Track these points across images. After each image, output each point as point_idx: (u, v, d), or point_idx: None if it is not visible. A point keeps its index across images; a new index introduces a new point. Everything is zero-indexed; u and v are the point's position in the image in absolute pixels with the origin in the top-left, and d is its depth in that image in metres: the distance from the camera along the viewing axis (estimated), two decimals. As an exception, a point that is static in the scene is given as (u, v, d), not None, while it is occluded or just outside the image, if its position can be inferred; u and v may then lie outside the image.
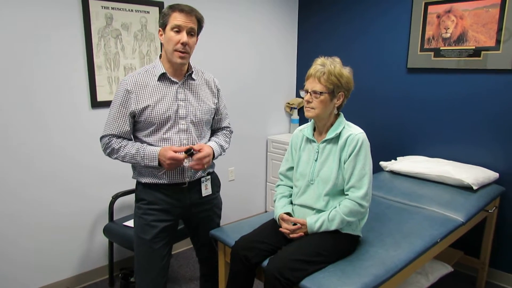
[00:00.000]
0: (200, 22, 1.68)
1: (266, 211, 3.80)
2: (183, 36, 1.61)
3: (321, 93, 1.61)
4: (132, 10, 2.57)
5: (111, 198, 2.60)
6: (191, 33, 1.64)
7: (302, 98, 3.69)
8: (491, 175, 2.49)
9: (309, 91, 1.63)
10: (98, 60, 2.47)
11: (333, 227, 1.61)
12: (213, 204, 1.92)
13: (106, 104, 2.55)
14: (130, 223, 2.52)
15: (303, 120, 3.71)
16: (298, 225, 1.65)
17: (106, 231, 2.54)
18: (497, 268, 2.71)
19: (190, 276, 2.79)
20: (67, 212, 2.51)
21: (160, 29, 1.67)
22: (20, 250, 2.36)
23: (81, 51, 2.42)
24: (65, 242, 2.54)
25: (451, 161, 2.67)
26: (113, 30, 2.51)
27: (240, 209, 3.49)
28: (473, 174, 2.39)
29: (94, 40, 2.44)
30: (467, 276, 2.80)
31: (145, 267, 1.78)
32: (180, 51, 1.62)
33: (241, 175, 3.52)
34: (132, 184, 2.72)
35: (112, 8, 2.48)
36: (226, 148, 1.91)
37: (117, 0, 2.48)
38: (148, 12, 2.64)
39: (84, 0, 2.35)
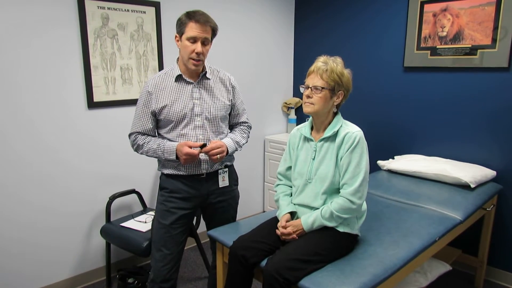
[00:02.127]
0: (214, 31, 1.81)
1: (264, 211, 3.79)
2: (198, 46, 1.74)
3: (322, 88, 1.61)
4: (128, 10, 2.56)
5: (108, 199, 2.59)
6: (204, 42, 1.76)
7: (300, 98, 3.70)
8: (489, 173, 2.49)
9: (310, 86, 1.64)
10: (94, 60, 2.46)
11: (326, 222, 1.60)
12: (230, 196, 2.03)
13: (103, 104, 2.55)
14: (127, 224, 2.51)
15: (300, 119, 3.70)
16: (290, 228, 1.65)
17: (103, 232, 2.52)
18: (495, 266, 2.71)
19: (188, 277, 2.78)
20: (64, 213, 2.50)
21: (177, 35, 1.78)
22: (16, 252, 2.35)
23: (77, 52, 2.41)
24: (61, 243, 2.53)
25: (448, 160, 2.68)
26: (109, 30, 2.50)
27: (238, 209, 3.48)
28: (471, 172, 2.39)
29: (90, 40, 2.42)
30: (465, 274, 2.80)
31: (161, 251, 1.89)
32: (194, 59, 1.76)
33: (239, 175, 3.49)
34: (128, 186, 2.74)
35: (108, 8, 2.47)
36: (243, 144, 2.01)
37: (113, 0, 2.47)
38: (145, 12, 2.63)
39: (80, 0, 2.34)
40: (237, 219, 2.15)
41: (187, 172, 1.86)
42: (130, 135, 1.91)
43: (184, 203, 1.90)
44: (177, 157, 1.80)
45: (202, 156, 1.83)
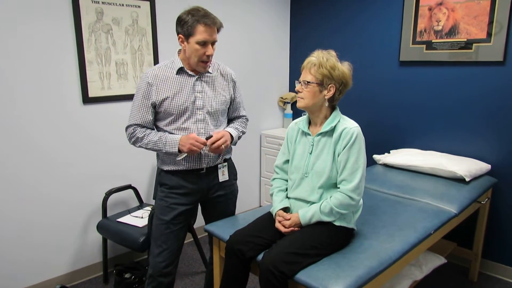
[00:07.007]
0: (219, 29, 1.78)
1: (260, 206, 3.80)
2: (209, 50, 1.74)
3: (309, 82, 1.63)
4: (122, 5, 2.53)
5: (104, 195, 2.59)
6: (213, 43, 1.76)
7: (296, 93, 3.70)
8: (483, 166, 2.50)
9: (300, 81, 1.66)
10: (89, 55, 2.44)
11: (324, 217, 1.61)
12: (230, 190, 2.03)
13: (98, 100, 2.53)
14: (124, 219, 2.51)
15: (296, 114, 3.70)
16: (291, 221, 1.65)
17: (100, 227, 2.52)
18: (489, 259, 2.74)
19: (185, 272, 2.79)
20: (60, 208, 2.50)
21: (182, 36, 1.74)
22: (12, 248, 2.34)
23: (72, 46, 2.39)
24: (58, 239, 2.52)
25: (444, 154, 2.69)
26: (104, 25, 2.48)
27: (235, 204, 3.49)
28: (466, 166, 2.40)
29: (85, 35, 2.41)
30: (460, 267, 2.83)
31: (161, 247, 1.89)
32: (204, 62, 1.77)
33: (235, 170, 3.50)
34: (124, 181, 2.73)
35: (103, 3, 2.44)
36: (243, 132, 2.03)
37: (107, -6, 2.46)
38: (139, 7, 2.62)
39: (73, -6, 2.32)
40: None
41: (187, 167, 1.85)
42: (127, 127, 1.86)
43: (184, 198, 1.89)
44: (179, 150, 1.78)
45: (203, 150, 1.82)
